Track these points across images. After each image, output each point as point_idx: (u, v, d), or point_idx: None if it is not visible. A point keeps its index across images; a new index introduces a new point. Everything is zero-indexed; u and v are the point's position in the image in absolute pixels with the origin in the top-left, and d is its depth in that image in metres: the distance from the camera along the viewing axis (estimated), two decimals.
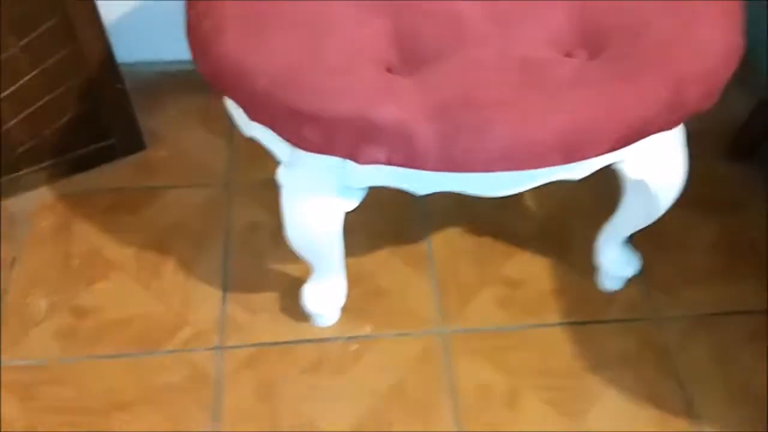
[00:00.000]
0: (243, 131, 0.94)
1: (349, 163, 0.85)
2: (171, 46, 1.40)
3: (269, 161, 1.20)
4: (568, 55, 0.84)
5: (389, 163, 0.78)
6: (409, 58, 0.83)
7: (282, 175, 0.91)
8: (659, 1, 0.86)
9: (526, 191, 1.23)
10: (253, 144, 1.30)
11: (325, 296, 1.06)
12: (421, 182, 0.86)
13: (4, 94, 1.10)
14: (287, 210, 0.91)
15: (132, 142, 1.29)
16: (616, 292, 1.13)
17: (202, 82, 1.39)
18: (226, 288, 1.14)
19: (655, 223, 1.17)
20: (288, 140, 0.81)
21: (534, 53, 0.82)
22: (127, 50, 1.35)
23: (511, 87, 0.78)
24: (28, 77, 1.11)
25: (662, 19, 0.84)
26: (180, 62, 1.42)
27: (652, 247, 1.16)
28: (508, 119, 0.76)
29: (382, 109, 0.76)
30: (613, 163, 0.91)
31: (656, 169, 0.92)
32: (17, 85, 1.11)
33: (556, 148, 0.77)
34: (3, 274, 1.14)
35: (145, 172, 1.28)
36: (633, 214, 1.01)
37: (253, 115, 0.82)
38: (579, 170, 0.88)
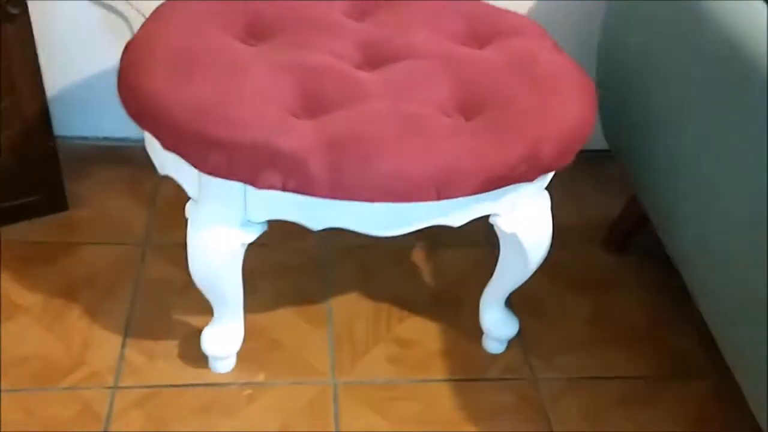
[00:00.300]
0: (158, 171, 1.04)
1: (250, 198, 0.95)
2: (103, 124, 1.52)
3: (183, 229, 1.29)
4: (448, 116, 0.98)
5: (284, 188, 0.88)
6: (311, 108, 0.95)
7: (190, 209, 1.00)
8: (525, 81, 1.02)
9: (422, 264, 1.35)
10: (171, 212, 1.40)
11: (224, 340, 1.11)
12: (314, 217, 0.97)
13: None
14: (192, 241, 0.99)
15: (56, 201, 1.35)
16: (498, 355, 1.22)
17: (129, 156, 1.52)
18: (127, 334, 1.18)
19: (534, 298, 1.29)
20: (196, 166, 0.91)
21: (418, 111, 0.96)
22: (63, 124, 1.46)
23: (395, 132, 0.91)
24: None
25: (526, 94, 1.00)
26: (110, 138, 1.54)
27: (531, 320, 1.27)
28: (389, 156, 0.88)
29: (280, 139, 0.88)
30: (491, 216, 1.04)
31: (527, 225, 1.05)
32: None
33: (430, 184, 0.90)
34: None
35: (64, 229, 1.34)
36: (509, 270, 1.12)
37: (167, 144, 0.92)
38: (457, 217, 1.00)
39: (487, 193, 0.96)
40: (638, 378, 1.21)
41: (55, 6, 1.34)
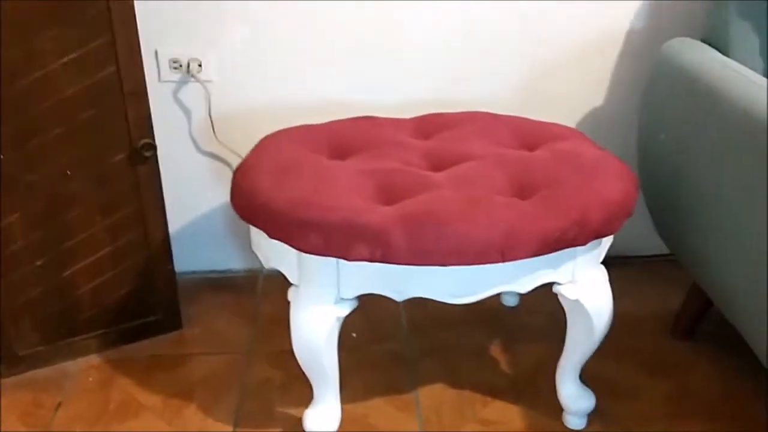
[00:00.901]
0: (265, 265, 1.23)
1: (342, 276, 1.12)
2: (209, 258, 1.75)
3: (281, 339, 1.44)
4: (506, 197, 1.15)
5: (371, 258, 1.05)
6: (388, 198, 1.14)
7: (292, 294, 1.18)
8: (571, 169, 1.19)
9: (500, 357, 1.46)
10: (269, 327, 1.58)
11: (323, 419, 1.23)
12: (398, 288, 1.12)
13: (83, 264, 1.41)
14: (294, 321, 1.15)
15: (172, 321, 1.55)
16: (579, 431, 1.28)
17: (231, 284, 1.72)
18: (236, 425, 1.31)
19: (610, 381, 1.38)
20: (297, 247, 1.09)
21: (480, 194, 1.14)
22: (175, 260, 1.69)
23: (461, 208, 1.08)
24: (102, 252, 1.43)
25: (573, 178, 1.17)
26: (215, 271, 1.75)
27: (609, 399, 1.35)
28: (458, 225, 1.05)
29: (366, 217, 1.06)
30: (554, 286, 1.17)
31: (588, 292, 1.17)
32: (93, 258, 1.42)
33: (494, 247, 1.05)
34: (47, 415, 1.34)
35: (179, 344, 1.53)
36: (577, 339, 1.22)
37: (273, 233, 1.11)
38: (523, 283, 1.13)
39: (546, 259, 1.11)
40: None
41: (169, 152, 1.61)
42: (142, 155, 1.38)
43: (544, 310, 1.57)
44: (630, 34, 1.56)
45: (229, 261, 1.76)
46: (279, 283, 1.28)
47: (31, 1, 1.18)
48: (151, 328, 1.54)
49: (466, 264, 1.06)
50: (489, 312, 1.59)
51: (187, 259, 1.72)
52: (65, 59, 1.23)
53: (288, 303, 1.18)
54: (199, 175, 1.66)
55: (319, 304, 1.14)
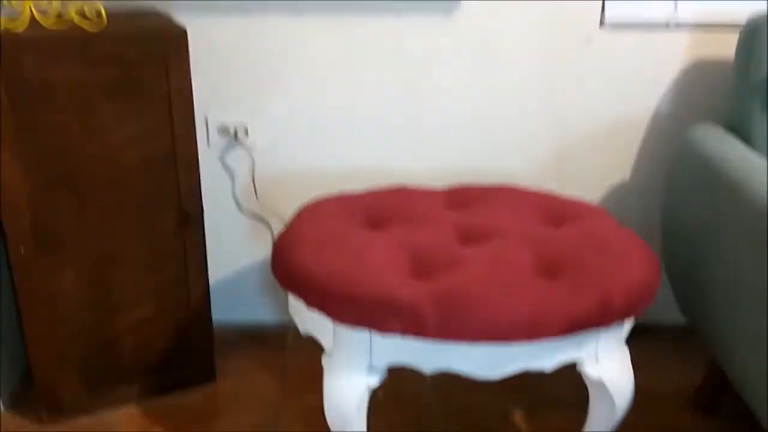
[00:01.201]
0: (300, 330, 1.29)
1: (375, 346, 1.18)
2: (241, 311, 1.82)
3: (310, 394, 1.50)
4: (533, 277, 1.21)
5: (403, 332, 1.11)
6: (421, 273, 1.20)
7: (325, 360, 1.24)
8: (596, 251, 1.25)
9: (521, 423, 1.50)
10: (300, 382, 1.63)
11: None
12: (427, 360, 1.17)
13: (127, 321, 1.49)
14: (327, 387, 1.21)
15: (206, 374, 1.62)
16: None
17: (264, 337, 1.79)
18: None
19: None
20: (335, 318, 1.15)
21: (508, 274, 1.19)
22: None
23: (492, 289, 1.14)
24: (146, 310, 1.50)
25: (598, 260, 1.23)
26: (249, 324, 1.82)
27: None
28: (487, 305, 1.11)
29: (399, 293, 1.12)
30: (578, 365, 1.21)
31: (610, 372, 1.21)
32: (138, 315, 1.50)
33: (521, 327, 1.11)
34: None
35: (213, 397, 1.59)
36: (599, 416, 1.26)
37: (311, 303, 1.18)
38: (547, 361, 1.18)
39: (571, 339, 1.16)
40: None
41: (213, 210, 1.69)
42: (190, 220, 1.46)
43: (568, 377, 1.61)
44: (656, 117, 1.63)
45: (263, 314, 1.83)
46: (309, 339, 1.35)
47: (95, 77, 1.28)
48: (187, 380, 1.60)
49: (493, 342, 1.11)
50: (513, 377, 1.63)
51: (222, 310, 1.80)
52: (125, 132, 1.33)
53: (318, 359, 1.24)
54: (240, 232, 1.74)
55: (351, 373, 1.19)
